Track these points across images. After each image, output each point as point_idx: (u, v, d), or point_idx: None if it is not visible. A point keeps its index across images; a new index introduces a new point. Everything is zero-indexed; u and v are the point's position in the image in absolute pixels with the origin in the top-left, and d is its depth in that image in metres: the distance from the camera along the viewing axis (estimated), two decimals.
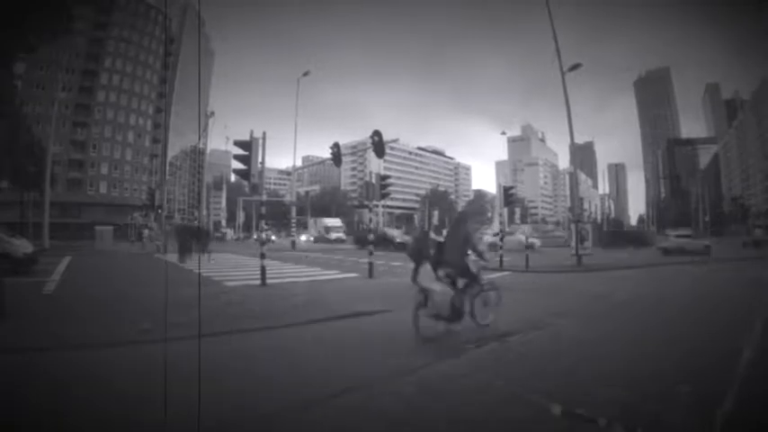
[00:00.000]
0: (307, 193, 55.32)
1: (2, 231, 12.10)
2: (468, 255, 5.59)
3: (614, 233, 40.41)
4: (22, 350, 4.47)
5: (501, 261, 15.10)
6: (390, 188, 14.79)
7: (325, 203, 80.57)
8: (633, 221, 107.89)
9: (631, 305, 8.11)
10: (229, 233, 48.81)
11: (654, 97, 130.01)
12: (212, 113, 33.93)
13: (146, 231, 28.05)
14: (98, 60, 55.58)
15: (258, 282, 9.91)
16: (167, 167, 62.73)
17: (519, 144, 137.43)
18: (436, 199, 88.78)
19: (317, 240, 36.32)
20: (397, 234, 26.94)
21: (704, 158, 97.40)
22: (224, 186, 55.45)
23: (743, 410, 2.80)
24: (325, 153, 15.29)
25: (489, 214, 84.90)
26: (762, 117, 74.13)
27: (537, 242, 24.91)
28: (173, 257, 17.20)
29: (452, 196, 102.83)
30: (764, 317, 5.81)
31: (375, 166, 43.45)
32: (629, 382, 3.55)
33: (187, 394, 3.35)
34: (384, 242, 22.35)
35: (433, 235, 7.22)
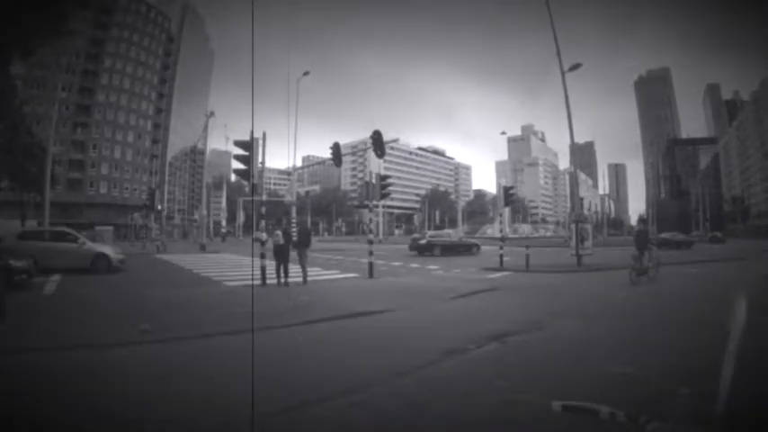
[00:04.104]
0: (307, 193, 55.25)
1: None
2: None
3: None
4: (22, 350, 4.46)
5: (501, 261, 15.13)
6: (390, 188, 14.79)
7: (326, 203, 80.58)
8: (633, 221, 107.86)
9: (629, 305, 8.12)
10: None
11: (654, 97, 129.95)
12: (212, 113, 33.84)
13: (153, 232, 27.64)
14: (98, 61, 55.53)
15: (258, 282, 9.91)
16: (167, 168, 62.71)
17: (519, 144, 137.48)
18: (436, 199, 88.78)
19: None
20: None
21: (704, 158, 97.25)
22: (224, 186, 55.39)
23: (742, 410, 2.80)
24: (326, 153, 15.30)
25: (490, 214, 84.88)
26: (762, 117, 74.06)
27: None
28: (172, 257, 17.18)
29: (452, 196, 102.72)
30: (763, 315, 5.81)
31: (375, 166, 43.40)
32: (629, 381, 3.55)
33: (187, 394, 3.35)
34: None
35: None
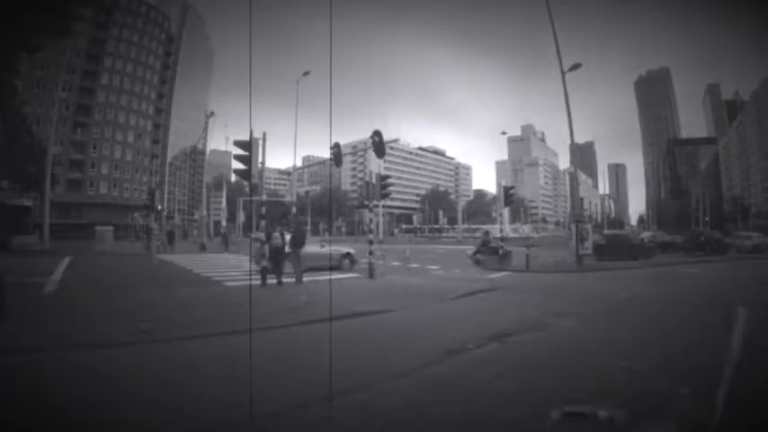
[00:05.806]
0: (307, 193, 55.30)
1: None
2: None
3: None
4: (22, 350, 4.46)
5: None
6: (390, 188, 14.79)
7: (326, 203, 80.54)
8: (633, 221, 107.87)
9: (629, 305, 8.11)
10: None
11: (654, 97, 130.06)
12: (212, 113, 33.82)
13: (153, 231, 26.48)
14: (98, 61, 55.49)
15: (258, 282, 9.91)
16: (167, 168, 62.68)
17: (519, 144, 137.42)
18: (436, 199, 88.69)
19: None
20: None
21: (704, 158, 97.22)
22: (224, 186, 55.39)
23: (740, 410, 2.79)
24: (326, 153, 15.26)
25: (493, 215, 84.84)
26: (762, 117, 74.04)
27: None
28: (172, 258, 17.16)
29: (452, 196, 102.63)
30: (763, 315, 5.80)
31: (375, 166, 43.36)
32: (628, 382, 3.55)
33: (187, 394, 3.35)
34: None
35: None
